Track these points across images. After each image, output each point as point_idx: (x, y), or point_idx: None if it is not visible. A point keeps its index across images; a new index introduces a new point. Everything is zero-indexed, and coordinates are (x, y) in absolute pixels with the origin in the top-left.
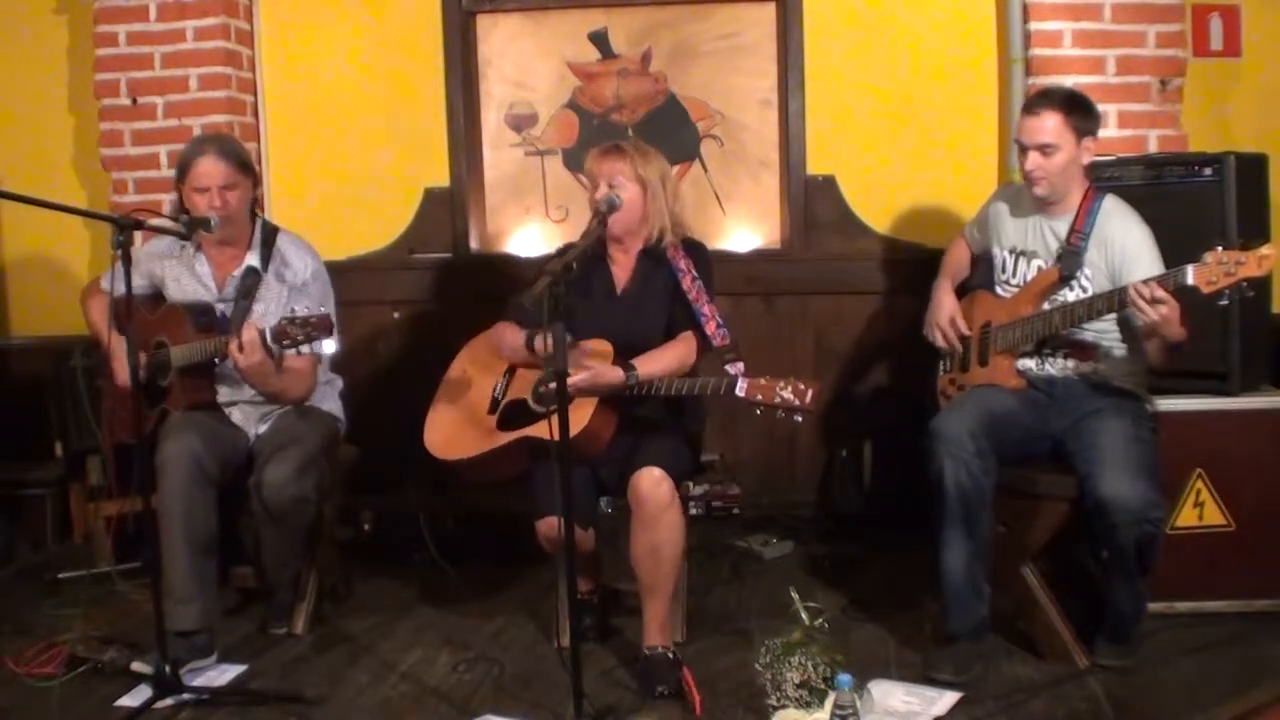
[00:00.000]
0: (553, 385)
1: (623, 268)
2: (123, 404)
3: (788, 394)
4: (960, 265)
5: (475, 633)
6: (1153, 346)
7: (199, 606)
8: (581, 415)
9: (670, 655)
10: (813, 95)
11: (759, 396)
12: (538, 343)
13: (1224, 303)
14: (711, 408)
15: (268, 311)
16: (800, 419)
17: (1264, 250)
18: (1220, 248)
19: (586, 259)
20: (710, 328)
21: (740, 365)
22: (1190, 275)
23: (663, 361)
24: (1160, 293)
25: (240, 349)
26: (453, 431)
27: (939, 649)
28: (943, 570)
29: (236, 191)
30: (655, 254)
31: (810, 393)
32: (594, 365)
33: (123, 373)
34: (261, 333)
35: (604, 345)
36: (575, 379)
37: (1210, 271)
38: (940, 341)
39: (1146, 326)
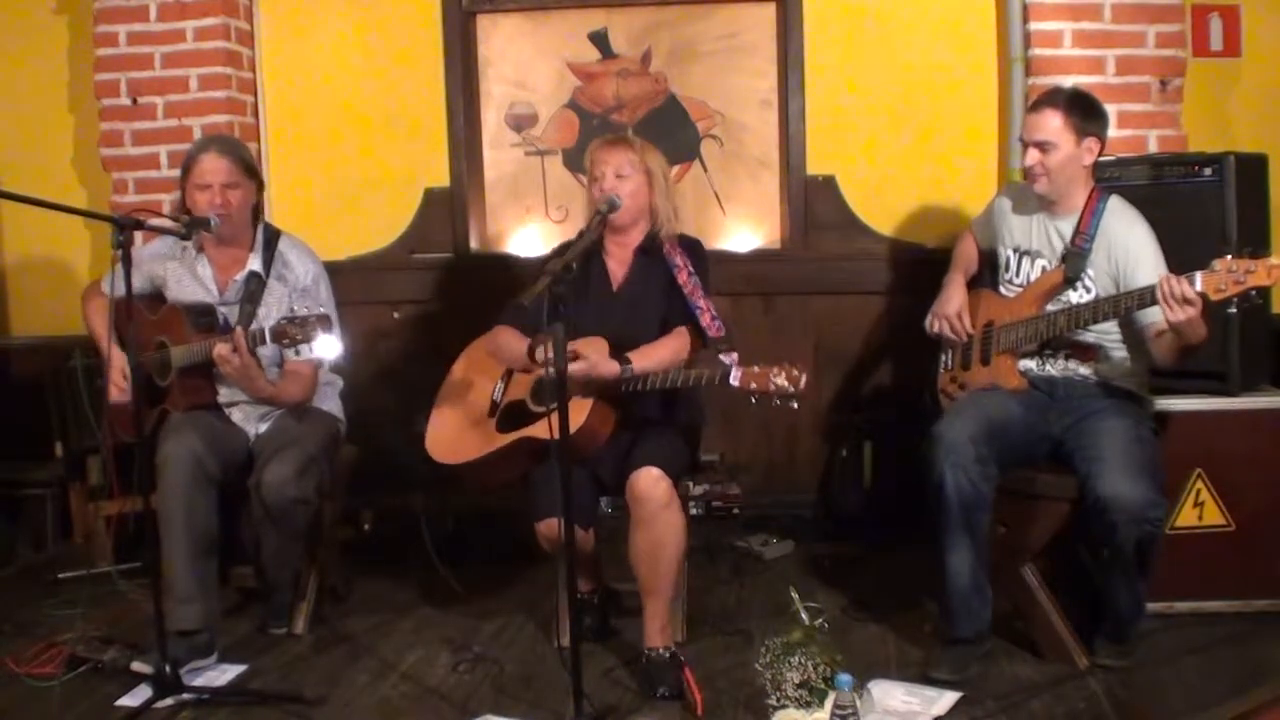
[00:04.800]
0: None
1: (619, 263)
2: (121, 406)
3: (781, 380)
4: (970, 259)
5: (475, 633)
6: (1165, 346)
7: (199, 606)
8: (579, 412)
9: (671, 656)
10: (813, 95)
11: (753, 385)
12: (539, 354)
13: (1232, 310)
14: (711, 407)
15: (270, 315)
16: (796, 405)
17: (1274, 260)
18: (1230, 255)
19: (585, 257)
20: (705, 319)
21: (734, 355)
22: (1199, 282)
23: (658, 355)
24: (1191, 292)
25: (225, 354)
26: (453, 435)
27: (938, 649)
28: (948, 576)
29: (238, 191)
30: (652, 250)
31: (803, 377)
32: (591, 356)
33: (115, 392)
34: (260, 332)
35: (599, 341)
36: (571, 367)
37: (1219, 279)
38: (948, 332)
39: (1168, 325)
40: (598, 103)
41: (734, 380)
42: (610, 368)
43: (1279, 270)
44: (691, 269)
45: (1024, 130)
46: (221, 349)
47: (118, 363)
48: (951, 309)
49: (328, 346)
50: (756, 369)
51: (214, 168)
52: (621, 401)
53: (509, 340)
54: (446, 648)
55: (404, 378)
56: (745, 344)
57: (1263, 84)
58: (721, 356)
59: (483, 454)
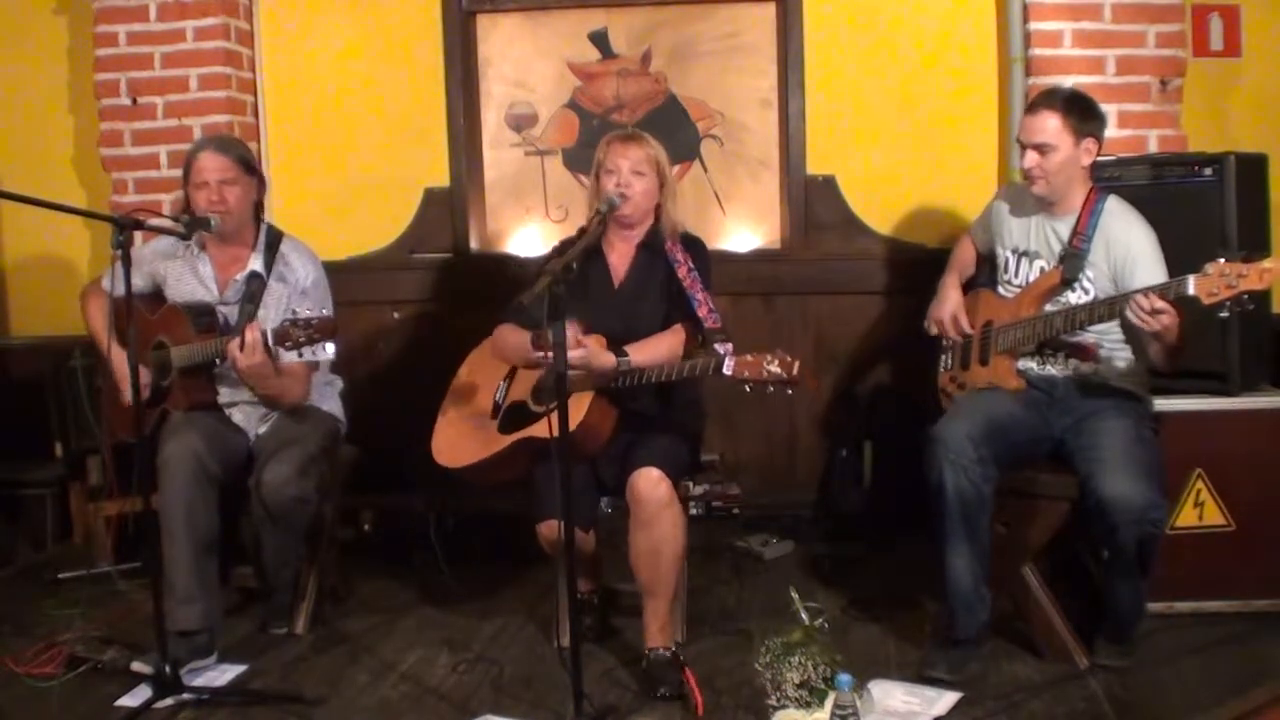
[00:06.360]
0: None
1: (621, 258)
2: (123, 405)
3: (774, 368)
4: (966, 263)
5: (475, 633)
6: (1154, 351)
7: (200, 606)
8: (579, 408)
9: (672, 656)
10: (813, 95)
11: (746, 373)
12: (542, 340)
13: (1224, 314)
14: (711, 407)
15: (269, 315)
16: (791, 391)
17: (1266, 264)
18: (1223, 259)
19: (586, 254)
20: (702, 311)
21: (729, 345)
22: (1191, 286)
23: (654, 350)
24: (1160, 303)
25: (240, 348)
26: (457, 438)
27: (936, 648)
28: (949, 577)
29: (236, 188)
30: (654, 247)
31: (796, 364)
32: (589, 344)
33: (128, 393)
34: (264, 334)
35: (596, 336)
36: (569, 354)
37: (1211, 283)
38: (946, 332)
39: (1148, 334)
40: (598, 103)
41: (727, 369)
42: (607, 359)
43: (1269, 274)
44: (692, 265)
45: (1021, 132)
46: (236, 349)
47: (123, 366)
48: (946, 312)
49: (327, 350)
50: (750, 357)
51: (210, 165)
52: (620, 397)
53: (511, 336)
54: (446, 648)
55: (404, 378)
56: (745, 344)
57: (1263, 84)
58: (716, 346)
59: (485, 456)
